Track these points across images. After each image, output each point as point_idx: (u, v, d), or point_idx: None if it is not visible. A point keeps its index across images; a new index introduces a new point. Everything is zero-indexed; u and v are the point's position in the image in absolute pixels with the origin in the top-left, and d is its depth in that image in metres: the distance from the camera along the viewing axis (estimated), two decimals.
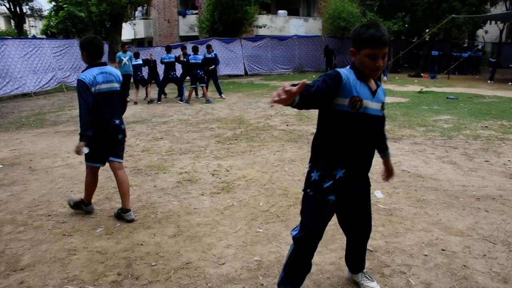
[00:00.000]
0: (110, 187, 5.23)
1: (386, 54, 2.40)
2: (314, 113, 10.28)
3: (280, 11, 29.96)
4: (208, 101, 12.86)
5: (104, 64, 4.16)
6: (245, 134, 8.15)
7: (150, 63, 13.71)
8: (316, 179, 2.50)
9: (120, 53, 13.56)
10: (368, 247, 3.51)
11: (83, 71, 4.03)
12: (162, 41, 28.71)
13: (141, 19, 31.81)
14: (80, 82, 3.92)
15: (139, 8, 30.97)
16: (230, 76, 22.19)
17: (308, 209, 2.55)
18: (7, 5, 24.02)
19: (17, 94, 16.04)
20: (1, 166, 6.30)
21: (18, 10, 24.35)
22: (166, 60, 13.17)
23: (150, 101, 13.28)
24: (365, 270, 3.01)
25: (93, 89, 3.96)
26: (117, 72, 4.24)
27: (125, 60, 13.34)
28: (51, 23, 25.57)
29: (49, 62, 17.52)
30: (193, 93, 13.57)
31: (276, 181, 5.36)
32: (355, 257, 2.95)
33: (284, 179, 5.43)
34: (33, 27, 31.60)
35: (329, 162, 2.47)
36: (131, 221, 4.22)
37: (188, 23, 28.69)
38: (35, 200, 4.86)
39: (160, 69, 14.31)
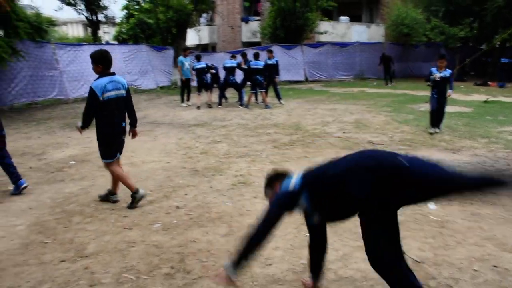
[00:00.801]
0: (169, 186, 5.53)
1: None
2: (372, 120, 10.20)
3: (342, 18, 29.72)
4: (267, 107, 13.07)
5: (113, 73, 4.73)
6: (301, 140, 8.25)
7: (212, 68, 14.14)
8: None
9: (181, 58, 14.10)
10: (415, 257, 3.52)
11: (95, 80, 4.61)
12: (225, 46, 29.40)
13: (205, 25, 32.77)
14: (91, 90, 4.57)
15: (204, 15, 31.94)
16: (290, 82, 22.31)
17: None
18: (85, 14, 25.68)
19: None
20: (74, 162, 6.84)
21: (94, 18, 25.94)
22: (227, 65, 13.57)
23: (210, 105, 13.70)
24: None
25: (103, 96, 4.55)
26: (123, 81, 4.84)
27: (186, 64, 13.89)
28: (123, 29, 26.95)
29: (119, 66, 18.51)
30: (253, 98, 13.84)
31: None
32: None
33: None
34: (107, 33, 33.40)
35: None
36: (116, 201, 4.98)
37: (251, 29, 29.19)
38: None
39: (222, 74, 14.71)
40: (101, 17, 27.54)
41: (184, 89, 14.29)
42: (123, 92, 4.81)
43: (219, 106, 13.67)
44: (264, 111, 12.40)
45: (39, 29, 13.49)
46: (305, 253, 3.65)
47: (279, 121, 10.52)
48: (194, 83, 14.60)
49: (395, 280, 2.55)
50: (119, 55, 18.56)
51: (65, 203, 5.02)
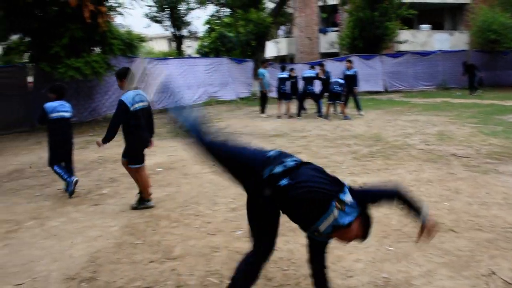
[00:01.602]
0: None
1: None
2: (456, 132, 9.71)
3: (423, 26, 28.67)
4: (346, 118, 12.92)
5: (137, 88, 5.17)
6: (382, 151, 8.06)
7: (292, 79, 14.29)
8: None
9: (262, 70, 14.40)
10: (506, 278, 3.32)
11: (123, 94, 5.14)
12: (303, 58, 29.52)
13: (284, 37, 33.15)
14: (121, 102, 5.08)
15: (282, 27, 32.33)
16: (369, 92, 21.87)
17: None
18: (171, 30, 27.21)
19: None
20: (160, 169, 7.24)
21: (178, 33, 27.36)
22: (306, 75, 13.68)
23: (291, 116, 13.81)
24: None
25: (132, 107, 5.10)
26: (145, 94, 5.27)
27: (267, 76, 14.17)
28: (204, 43, 28.05)
29: (201, 79, 19.30)
30: (332, 109, 13.76)
31: None
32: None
33: (420, 199, 5.28)
34: (189, 47, 34.91)
35: None
36: (151, 207, 5.32)
37: (329, 40, 29.08)
38: (186, 201, 5.52)
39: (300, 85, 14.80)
40: (184, 32, 28.94)
41: (265, 100, 14.56)
42: (146, 104, 5.37)
43: (299, 117, 13.73)
44: (343, 122, 12.28)
45: (130, 45, 14.47)
46: (387, 267, 3.58)
47: (359, 132, 10.36)
48: (271, 94, 14.85)
49: None
50: (201, 67, 19.35)
51: (153, 207, 5.32)
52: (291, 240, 4.18)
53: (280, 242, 4.10)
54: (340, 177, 2.66)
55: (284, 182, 2.55)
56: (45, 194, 6.27)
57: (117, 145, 9.74)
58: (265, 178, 2.58)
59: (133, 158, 5.34)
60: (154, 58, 19.27)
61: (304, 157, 7.66)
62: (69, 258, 4.01)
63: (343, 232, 2.55)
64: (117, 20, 15.38)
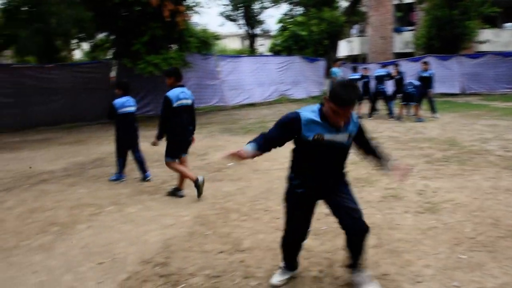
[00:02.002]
0: None
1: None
2: None
3: (508, 24, 26.82)
4: (419, 120, 12.46)
5: (183, 85, 5.59)
6: (457, 156, 7.71)
7: (365, 79, 14.04)
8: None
9: (335, 69, 14.26)
10: None
11: (168, 91, 5.45)
12: (376, 57, 28.80)
13: (357, 36, 32.52)
14: (165, 98, 5.39)
15: (356, 26, 31.74)
16: (444, 94, 20.85)
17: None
18: (244, 28, 27.70)
19: (245, 104, 18.36)
20: (231, 164, 7.43)
21: (252, 32, 27.78)
22: (377, 74, 13.38)
23: (361, 117, 13.56)
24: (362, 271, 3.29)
25: (177, 104, 5.39)
26: (189, 92, 5.68)
27: (340, 75, 14.02)
28: (277, 41, 28.21)
29: (273, 77, 19.47)
30: (405, 110, 13.34)
31: (487, 209, 4.99)
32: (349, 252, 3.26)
33: (497, 208, 5.02)
34: (262, 45, 35.25)
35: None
36: (182, 196, 5.69)
37: (403, 40, 28.11)
38: (256, 196, 5.63)
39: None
40: (258, 30, 29.30)
41: None
42: (190, 101, 5.63)
43: (370, 118, 13.45)
44: (416, 125, 11.86)
45: (205, 43, 14.94)
46: (459, 276, 3.45)
47: (433, 136, 9.96)
48: None
49: None
50: (273, 65, 19.52)
51: (223, 200, 5.50)
52: None
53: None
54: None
55: None
56: (124, 182, 6.68)
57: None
58: None
59: (168, 152, 5.62)
60: (227, 56, 19.71)
61: None
62: (144, 243, 4.26)
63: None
64: (194, 18, 15.90)
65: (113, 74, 15.11)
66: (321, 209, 4.98)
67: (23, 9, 15.71)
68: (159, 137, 5.60)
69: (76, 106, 14.22)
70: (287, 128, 3.03)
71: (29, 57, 19.45)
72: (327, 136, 2.93)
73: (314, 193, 3.20)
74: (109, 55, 15.64)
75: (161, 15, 12.38)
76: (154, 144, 5.70)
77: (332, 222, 4.60)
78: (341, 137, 2.99)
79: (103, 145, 10.00)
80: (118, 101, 6.65)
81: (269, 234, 4.35)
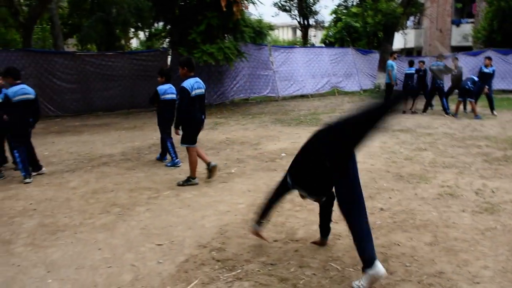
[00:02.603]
0: (373, 188, 5.61)
1: None
2: None
3: None
4: (477, 117, 11.97)
5: (196, 76, 5.80)
6: None
7: (420, 72, 13.63)
8: None
9: (390, 61, 13.91)
10: None
11: (184, 81, 5.65)
12: (431, 51, 27.80)
13: (412, 28, 31.47)
14: (184, 88, 5.61)
15: (411, 18, 30.70)
16: (504, 91, 19.84)
17: None
18: (298, 19, 27.56)
19: (297, 95, 18.33)
20: (284, 154, 7.49)
21: (305, 22, 27.58)
22: (434, 68, 12.91)
23: (415, 112, 13.20)
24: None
25: (193, 93, 5.66)
26: (202, 82, 5.91)
27: (395, 68, 13.69)
28: (330, 33, 27.90)
29: (325, 68, 19.30)
30: (462, 107, 12.85)
31: None
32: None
33: None
34: (314, 36, 34.93)
35: None
36: (196, 184, 5.90)
37: (462, 33, 26.91)
38: None
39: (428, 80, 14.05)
40: (311, 21, 29.05)
41: (389, 93, 14.09)
42: (203, 90, 5.94)
43: (424, 113, 13.07)
44: (473, 122, 11.41)
45: (260, 33, 15.01)
46: None
47: (491, 134, 9.55)
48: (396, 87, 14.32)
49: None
50: (326, 57, 19.34)
51: (198, 184, 5.64)
52: (414, 237, 4.10)
53: (402, 237, 4.07)
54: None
55: None
56: (179, 168, 6.90)
57: (243, 128, 10.39)
58: None
59: (186, 139, 5.87)
60: (281, 47, 19.72)
61: (430, 155, 7.40)
62: (201, 227, 4.40)
63: None
64: (249, 8, 16.02)
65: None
66: (375, 204, 4.97)
67: None
68: (177, 126, 5.86)
69: (133, 93, 14.75)
70: None
71: (90, 45, 20.34)
72: None
73: None
74: (165, 44, 16.03)
75: (217, 5, 12.54)
76: (177, 133, 5.95)
77: (386, 217, 4.59)
78: None
79: (158, 132, 10.29)
80: (161, 88, 7.11)
81: None
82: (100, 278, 3.44)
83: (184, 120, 5.79)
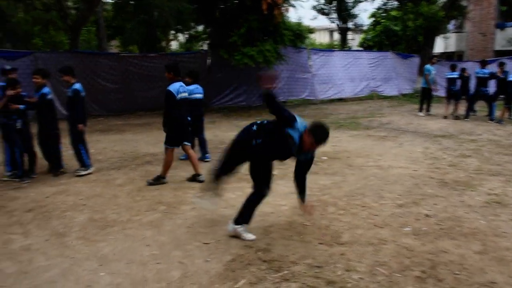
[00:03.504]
0: (417, 194, 5.54)
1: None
2: None
3: None
4: None
5: (181, 80, 6.13)
6: None
7: (464, 78, 13.28)
8: None
9: (429, 66, 13.64)
10: None
11: (169, 85, 5.97)
12: (473, 55, 26.97)
13: (453, 32, 30.66)
14: (170, 92, 5.91)
15: (453, 21, 29.91)
16: None
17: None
18: (336, 22, 27.39)
19: (335, 99, 18.24)
20: (325, 158, 7.47)
21: (344, 26, 27.38)
22: (479, 75, 12.55)
23: (457, 117, 12.89)
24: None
25: (178, 96, 5.95)
26: (185, 86, 6.26)
27: (433, 73, 13.40)
28: (368, 36, 27.54)
29: (364, 72, 19.11)
30: (507, 113, 12.45)
31: None
32: None
33: None
34: (352, 39, 34.58)
35: None
36: (203, 181, 6.03)
37: (507, 36, 26.00)
38: (352, 191, 5.64)
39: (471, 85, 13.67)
40: (350, 24, 28.79)
41: (425, 98, 13.82)
42: (186, 94, 6.25)
43: (466, 119, 12.73)
44: None
45: (299, 36, 15.02)
46: None
47: None
48: (436, 92, 14.06)
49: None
50: (365, 61, 19.17)
51: (320, 193, 5.57)
52: (462, 245, 4.03)
53: (449, 245, 4.01)
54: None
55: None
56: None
57: None
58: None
59: (168, 139, 6.13)
60: (320, 50, 19.66)
61: (475, 162, 7.22)
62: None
63: (303, 144, 3.86)
64: (289, 12, 16.03)
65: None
66: (420, 210, 4.91)
67: (130, 2, 16.82)
68: (163, 126, 6.20)
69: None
70: (290, 115, 4.01)
71: (131, 47, 20.87)
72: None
73: None
74: (204, 46, 16.26)
75: (258, 8, 12.63)
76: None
77: (432, 224, 4.53)
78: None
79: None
80: (188, 88, 7.31)
81: (368, 230, 4.35)
82: (150, 274, 3.55)
83: (169, 122, 6.05)
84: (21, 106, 6.40)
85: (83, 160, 6.84)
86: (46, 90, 6.65)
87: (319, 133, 3.85)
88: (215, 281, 3.41)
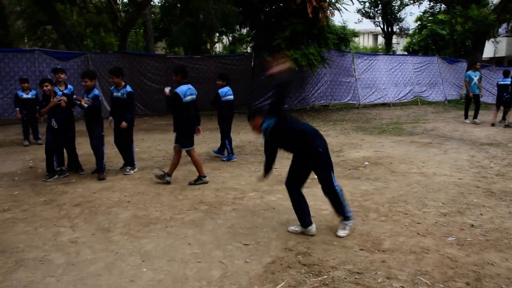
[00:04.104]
0: (462, 203, 5.38)
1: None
2: None
3: None
4: None
5: (188, 82, 6.24)
6: None
7: None
8: None
9: (469, 72, 13.17)
10: None
11: (177, 87, 6.11)
12: None
13: (504, 36, 29.46)
14: (177, 94, 6.05)
15: (504, 25, 28.74)
16: None
17: None
18: (382, 26, 26.98)
19: (378, 103, 17.96)
20: (367, 163, 7.39)
21: (389, 29, 26.93)
22: None
23: (508, 125, 12.39)
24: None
25: (185, 99, 6.09)
26: (194, 89, 6.35)
27: (475, 79, 12.89)
28: (413, 40, 26.95)
29: (409, 77, 18.72)
30: None
31: None
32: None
33: None
34: (397, 44, 33.94)
35: None
36: (206, 182, 6.31)
37: None
38: (394, 197, 5.55)
39: None
40: (395, 28, 28.28)
41: (469, 105, 13.33)
42: (195, 97, 6.34)
43: None
44: None
45: (344, 39, 14.91)
46: None
47: None
48: (483, 99, 13.57)
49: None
50: (410, 65, 18.79)
51: (361, 199, 5.52)
52: (510, 258, 3.89)
53: (496, 257, 3.89)
54: None
55: None
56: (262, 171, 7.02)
57: (325, 134, 10.37)
58: None
59: (185, 143, 6.23)
60: (364, 54, 19.44)
61: None
62: (286, 231, 4.47)
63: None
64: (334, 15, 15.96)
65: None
66: (465, 219, 4.78)
67: (177, 5, 17.21)
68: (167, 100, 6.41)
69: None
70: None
71: (177, 49, 21.34)
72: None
73: None
74: (248, 48, 16.43)
75: (303, 11, 12.63)
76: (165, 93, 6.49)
77: (477, 234, 4.40)
78: None
79: (241, 134, 10.59)
80: (222, 91, 7.83)
81: (410, 238, 4.28)
82: (191, 272, 3.63)
83: (179, 124, 6.18)
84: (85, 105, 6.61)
85: (133, 159, 7.13)
86: (96, 91, 6.84)
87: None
88: (255, 283, 3.44)
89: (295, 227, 4.44)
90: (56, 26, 15.88)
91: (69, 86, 7.49)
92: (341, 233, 4.32)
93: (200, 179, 6.34)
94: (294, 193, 4.39)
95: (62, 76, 7.30)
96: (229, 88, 7.95)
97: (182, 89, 6.15)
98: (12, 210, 5.25)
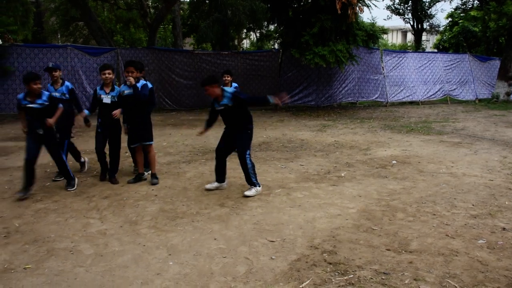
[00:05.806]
0: (493, 205, 5.25)
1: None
2: None
3: None
4: None
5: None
6: None
7: None
8: None
9: None
10: None
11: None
12: None
13: None
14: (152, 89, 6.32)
15: None
16: None
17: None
18: (411, 23, 26.50)
19: (406, 101, 17.69)
20: (395, 162, 7.29)
21: (419, 26, 26.44)
22: None
23: None
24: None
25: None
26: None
27: None
28: (444, 37, 26.40)
29: (438, 75, 18.35)
30: None
31: None
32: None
33: None
34: (427, 41, 33.30)
35: None
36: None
37: None
38: (422, 198, 5.47)
39: None
40: (425, 25, 27.74)
41: None
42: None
43: None
44: None
45: (372, 36, 14.72)
46: None
47: None
48: None
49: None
50: (440, 63, 18.42)
51: (389, 198, 5.45)
52: None
53: None
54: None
55: None
56: (289, 168, 7.03)
57: (352, 132, 10.30)
58: None
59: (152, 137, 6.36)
60: (393, 51, 19.12)
61: None
62: (312, 228, 4.46)
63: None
64: (363, 11, 15.78)
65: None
66: (496, 222, 4.67)
67: (206, 1, 17.31)
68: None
69: (243, 91, 15.31)
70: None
71: (205, 45, 21.48)
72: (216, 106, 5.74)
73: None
74: (276, 45, 16.41)
75: (331, 8, 12.52)
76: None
77: (509, 238, 4.29)
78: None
79: (268, 130, 10.60)
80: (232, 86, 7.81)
81: (438, 239, 4.20)
82: (216, 267, 3.66)
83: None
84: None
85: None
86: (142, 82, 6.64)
87: None
88: (280, 280, 3.45)
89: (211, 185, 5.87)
90: (87, 22, 16.22)
91: (66, 83, 6.74)
92: (247, 192, 5.56)
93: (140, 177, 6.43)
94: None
95: (56, 74, 6.60)
96: (237, 85, 8.23)
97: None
98: (44, 201, 5.41)
